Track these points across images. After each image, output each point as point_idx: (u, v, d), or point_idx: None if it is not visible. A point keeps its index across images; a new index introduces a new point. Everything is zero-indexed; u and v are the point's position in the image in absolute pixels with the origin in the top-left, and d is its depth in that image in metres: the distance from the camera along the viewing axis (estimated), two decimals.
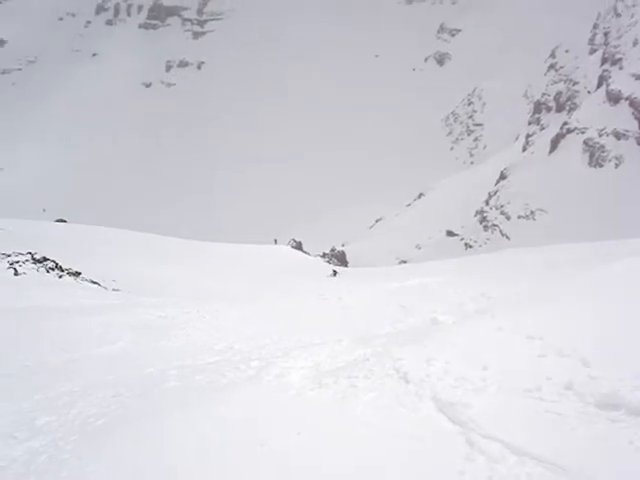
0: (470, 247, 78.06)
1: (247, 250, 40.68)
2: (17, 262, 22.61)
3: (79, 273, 23.61)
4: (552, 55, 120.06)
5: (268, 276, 29.36)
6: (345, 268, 50.93)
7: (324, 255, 70.79)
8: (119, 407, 7.23)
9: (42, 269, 22.68)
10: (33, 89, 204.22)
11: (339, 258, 75.75)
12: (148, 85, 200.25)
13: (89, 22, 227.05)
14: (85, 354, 10.36)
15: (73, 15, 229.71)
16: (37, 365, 9.60)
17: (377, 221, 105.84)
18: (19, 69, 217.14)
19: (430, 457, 5.43)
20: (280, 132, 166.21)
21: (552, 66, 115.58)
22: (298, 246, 67.34)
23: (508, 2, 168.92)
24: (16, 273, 21.13)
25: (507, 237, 74.87)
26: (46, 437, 6.54)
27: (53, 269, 23.17)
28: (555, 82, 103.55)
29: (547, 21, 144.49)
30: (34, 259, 23.57)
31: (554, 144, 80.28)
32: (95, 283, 23.01)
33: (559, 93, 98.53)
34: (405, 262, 68.09)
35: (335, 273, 33.93)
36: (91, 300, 18.27)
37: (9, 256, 23.50)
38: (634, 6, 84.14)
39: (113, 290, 22.64)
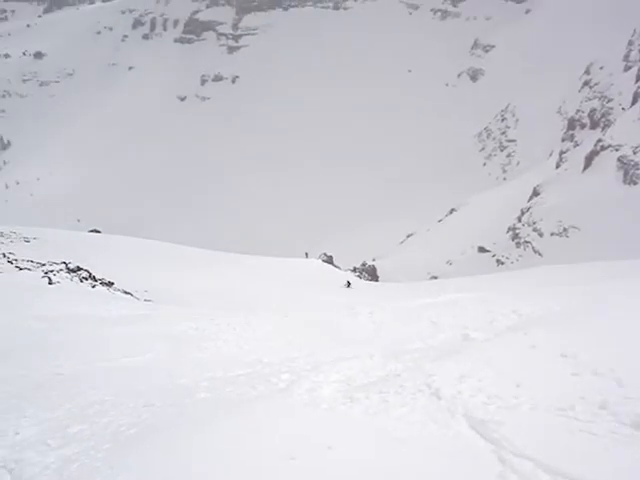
0: (502, 264, 77.45)
1: (278, 263, 40.76)
2: (51, 271, 22.88)
3: (112, 283, 23.83)
4: (586, 71, 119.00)
5: (298, 289, 29.37)
6: (375, 283, 50.82)
7: (355, 269, 70.64)
8: (150, 417, 7.26)
9: (76, 278, 22.93)
10: (70, 101, 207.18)
11: (370, 273, 75.55)
12: (183, 99, 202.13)
13: (126, 36, 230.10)
14: (117, 364, 10.43)
15: (110, 29, 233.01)
16: (69, 373, 9.69)
17: (408, 236, 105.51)
18: (57, 82, 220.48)
19: (462, 474, 5.38)
20: (314, 146, 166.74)
21: (586, 83, 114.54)
22: (329, 260, 67.27)
23: (542, 18, 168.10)
24: (50, 282, 21.37)
25: (539, 254, 74.16)
26: (78, 445, 6.59)
27: (87, 279, 23.41)
28: (589, 99, 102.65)
29: (581, 37, 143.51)
30: (68, 268, 23.84)
31: (588, 161, 79.52)
32: (127, 293, 23.20)
33: (593, 110, 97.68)
34: (436, 278, 67.77)
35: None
36: (123, 310, 18.42)
37: (44, 265, 23.80)
38: None
39: (145, 300, 22.80)
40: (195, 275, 29.95)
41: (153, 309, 20.22)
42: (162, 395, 8.16)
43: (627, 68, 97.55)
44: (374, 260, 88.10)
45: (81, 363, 10.44)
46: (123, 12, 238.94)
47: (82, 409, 7.84)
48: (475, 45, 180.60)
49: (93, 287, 22.66)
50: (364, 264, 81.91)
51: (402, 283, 40.30)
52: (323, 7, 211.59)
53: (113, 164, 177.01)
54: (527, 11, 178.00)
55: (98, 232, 46.30)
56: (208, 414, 7.00)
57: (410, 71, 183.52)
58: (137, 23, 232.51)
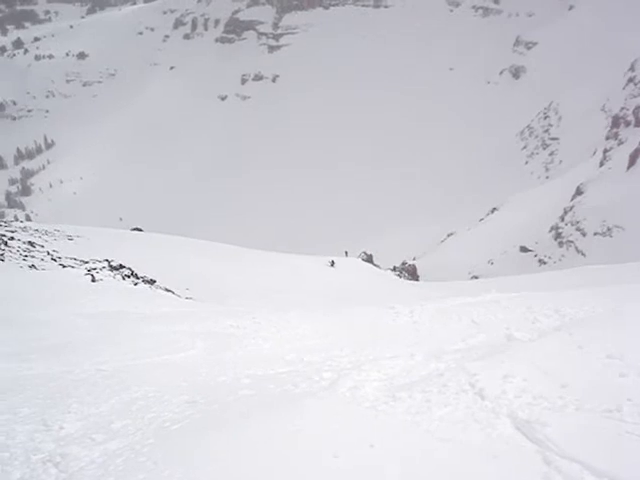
0: (544, 263, 76.59)
1: (316, 262, 40.82)
2: (94, 269, 23.20)
3: (154, 281, 24.08)
4: (631, 68, 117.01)
5: (338, 287, 29.39)
6: (416, 282, 50.63)
7: (395, 269, 70.46)
8: (194, 413, 7.33)
9: (118, 276, 23.22)
10: (113, 101, 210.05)
11: (410, 272, 75.28)
12: (224, 98, 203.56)
13: (167, 36, 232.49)
14: (159, 360, 10.54)
15: (152, 30, 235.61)
16: (113, 370, 9.81)
17: (449, 235, 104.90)
18: (100, 82, 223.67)
19: (505, 474, 5.34)
20: (356, 144, 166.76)
21: (631, 79, 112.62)
22: (369, 259, 67.15)
23: (585, 14, 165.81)
24: (93, 280, 21.67)
25: (582, 254, 73.19)
26: (123, 440, 6.68)
27: (129, 276, 23.70)
28: (634, 96, 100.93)
29: (625, 33, 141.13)
30: (111, 266, 24.16)
31: (632, 159, 78.24)
32: (169, 291, 23.42)
33: (638, 107, 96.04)
34: (477, 277, 67.29)
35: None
36: (165, 308, 18.61)
37: (87, 263, 24.15)
38: None
39: (186, 298, 23.01)
40: (237, 273, 30.13)
41: (194, 307, 20.39)
42: (204, 392, 8.23)
43: None
44: (414, 259, 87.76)
45: (123, 360, 10.56)
46: (164, 12, 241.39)
47: (126, 405, 7.93)
48: (517, 42, 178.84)
49: (135, 285, 22.92)
50: (404, 263, 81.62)
51: (443, 282, 40.06)
52: (364, 5, 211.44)
53: (154, 164, 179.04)
54: (570, 7, 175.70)
55: (140, 230, 46.79)
56: (251, 411, 7.03)
57: (452, 69, 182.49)
58: (178, 23, 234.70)
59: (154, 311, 17.32)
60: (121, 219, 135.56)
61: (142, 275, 24.26)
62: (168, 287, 23.89)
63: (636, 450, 5.54)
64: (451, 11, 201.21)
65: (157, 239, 39.71)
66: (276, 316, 15.76)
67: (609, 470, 5.19)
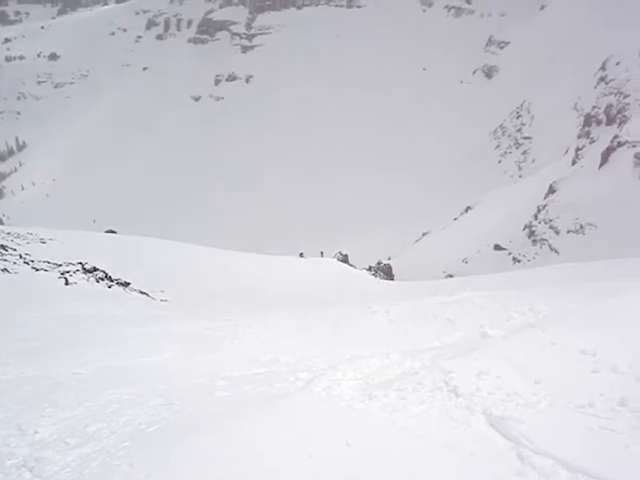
0: (518, 261, 77.12)
1: (292, 262, 40.81)
2: (68, 272, 23.01)
3: (128, 283, 23.94)
4: (602, 67, 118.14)
5: (313, 288, 29.39)
6: (391, 281, 50.79)
7: (370, 268, 70.61)
8: (169, 415, 7.31)
9: (92, 279, 23.06)
10: (85, 103, 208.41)
11: (385, 271, 75.48)
12: (197, 99, 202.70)
13: (140, 37, 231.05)
14: (134, 363, 10.50)
15: (124, 30, 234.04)
16: (87, 373, 9.76)
17: (424, 235, 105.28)
18: (72, 83, 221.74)
19: (480, 471, 5.38)
20: (326, 145, 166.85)
21: (602, 79, 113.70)
22: (344, 259, 67.29)
23: (557, 14, 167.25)
24: (67, 283, 21.51)
25: (556, 252, 73.81)
26: (98, 444, 6.64)
27: (103, 279, 23.53)
28: (605, 95, 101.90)
29: (597, 33, 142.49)
30: (84, 269, 23.98)
31: (604, 158, 79.01)
32: (144, 293, 23.30)
33: (609, 106, 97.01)
34: (452, 276, 67.62)
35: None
36: (140, 310, 18.52)
37: (60, 266, 23.95)
38: None
39: (161, 301, 22.91)
40: (211, 275, 30.04)
41: (169, 309, 20.32)
42: (180, 394, 8.21)
43: None
44: (389, 259, 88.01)
45: (98, 363, 10.52)
46: (137, 13, 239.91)
47: (101, 408, 7.90)
48: (490, 42, 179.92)
49: (109, 287, 22.78)
50: (379, 263, 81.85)
51: (418, 282, 40.26)
52: (337, 5, 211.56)
53: (128, 165, 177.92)
54: (542, 7, 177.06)
55: (114, 232, 46.48)
56: (227, 412, 7.03)
57: (425, 69, 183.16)
58: (151, 24, 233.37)
59: (129, 314, 17.24)
60: (94, 221, 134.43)
61: (116, 278, 24.11)
62: (143, 289, 23.76)
63: (609, 445, 5.61)
64: (424, 11, 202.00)
65: (131, 241, 39.47)
66: (252, 317, 15.77)
67: (583, 465, 5.25)
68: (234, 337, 12.63)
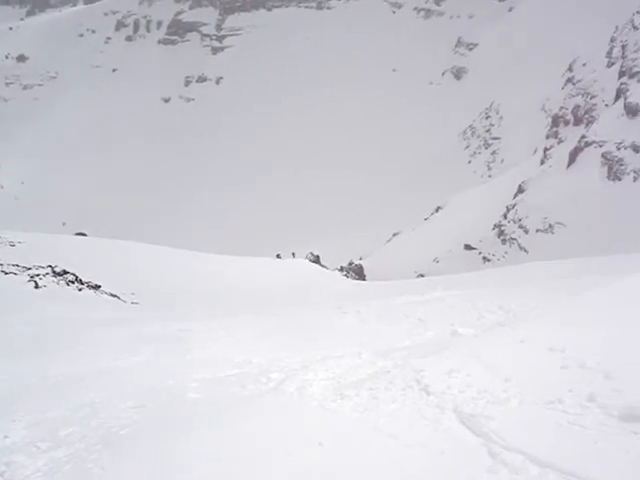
0: (488, 261, 77.64)
1: (264, 263, 40.73)
2: (37, 275, 22.77)
3: (99, 286, 23.75)
4: (569, 69, 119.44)
5: (285, 289, 29.38)
6: (363, 282, 50.88)
7: (342, 269, 70.68)
8: (141, 418, 7.27)
9: (62, 282, 22.84)
10: (54, 104, 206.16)
11: (357, 272, 75.61)
12: (167, 100, 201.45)
13: (109, 38, 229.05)
14: (105, 366, 10.42)
15: (93, 31, 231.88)
16: (58, 377, 9.67)
17: (395, 235, 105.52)
18: (40, 85, 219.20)
19: (452, 469, 5.42)
20: (297, 146, 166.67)
21: (569, 79, 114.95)
22: (316, 260, 67.21)
23: (525, 16, 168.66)
24: (36, 286, 21.30)
25: (525, 251, 74.43)
26: (69, 447, 6.59)
27: (73, 282, 23.32)
28: (573, 95, 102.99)
29: (564, 34, 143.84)
30: (54, 272, 23.74)
31: (572, 157, 79.84)
32: (114, 296, 23.13)
33: (577, 106, 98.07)
34: (423, 276, 67.89)
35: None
36: (110, 313, 18.40)
37: (29, 269, 23.70)
38: None
39: (132, 303, 22.76)
40: (181, 276, 29.89)
41: (141, 311, 20.20)
42: (152, 397, 8.17)
43: (610, 64, 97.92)
44: (361, 259, 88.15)
45: (69, 366, 10.42)
46: (106, 14, 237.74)
47: (72, 412, 7.83)
48: (459, 43, 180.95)
49: (80, 290, 22.58)
50: (351, 263, 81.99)
51: (389, 282, 40.39)
52: (307, 7, 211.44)
53: (98, 167, 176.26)
54: (510, 9, 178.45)
55: (84, 235, 46.14)
56: (199, 414, 7.02)
57: (395, 70, 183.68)
58: (120, 25, 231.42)
59: (99, 317, 17.11)
60: (64, 224, 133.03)
61: (87, 280, 23.90)
62: (113, 292, 23.58)
63: (578, 440, 5.68)
64: (394, 13, 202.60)
65: (102, 243, 39.15)
66: (225, 319, 15.73)
67: (552, 460, 5.31)
68: (206, 339, 12.58)
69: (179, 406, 7.57)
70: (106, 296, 22.85)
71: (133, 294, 24.26)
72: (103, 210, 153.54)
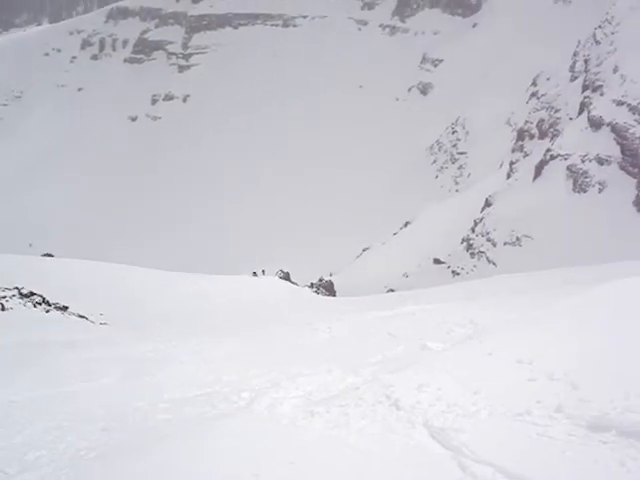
0: (457, 274, 78.01)
1: (233, 281, 40.55)
2: (4, 297, 22.44)
3: (66, 307, 23.46)
4: (533, 83, 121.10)
5: (255, 307, 29.27)
6: (333, 297, 50.87)
7: (312, 285, 70.60)
8: (109, 440, 7.18)
9: (29, 304, 22.52)
10: (19, 124, 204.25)
11: (327, 288, 75.54)
12: (134, 119, 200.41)
13: (74, 57, 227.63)
14: (73, 389, 10.28)
15: (58, 50, 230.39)
16: (25, 400, 9.53)
17: (364, 250, 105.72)
18: (5, 105, 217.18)
19: None
20: (265, 164, 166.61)
21: (534, 94, 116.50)
22: (286, 277, 67.11)
23: (489, 32, 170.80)
24: (3, 308, 20.99)
25: (494, 264, 74.95)
26: (37, 472, 6.49)
27: (40, 304, 23.00)
28: (537, 110, 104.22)
29: (528, 49, 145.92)
30: (21, 294, 23.41)
31: (538, 170, 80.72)
32: (82, 317, 22.84)
33: (541, 120, 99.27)
34: (393, 291, 68.06)
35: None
36: (79, 334, 18.18)
37: None
38: (613, 34, 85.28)
39: (100, 324, 22.52)
40: (150, 296, 29.66)
41: (109, 333, 20.00)
42: (120, 418, 8.08)
43: (573, 79, 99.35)
44: (331, 275, 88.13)
45: (37, 389, 10.27)
46: (71, 33, 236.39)
47: (39, 436, 7.72)
48: (424, 59, 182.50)
49: (47, 312, 22.28)
50: (321, 279, 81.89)
51: (359, 297, 40.42)
52: (273, 25, 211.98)
53: (64, 187, 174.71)
54: (474, 25, 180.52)
55: (51, 256, 45.56)
56: (167, 435, 6.95)
57: (361, 87, 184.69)
58: (86, 44, 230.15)
59: (67, 338, 16.90)
60: (31, 245, 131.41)
61: (54, 302, 23.60)
62: (81, 313, 23.31)
63: (547, 451, 5.72)
64: (359, 30, 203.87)
65: (69, 264, 38.72)
66: (194, 338, 15.62)
67: (522, 472, 5.35)
68: (176, 359, 12.48)
69: (148, 427, 7.50)
70: (74, 317, 22.57)
71: (102, 315, 23.99)
72: (70, 231, 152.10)
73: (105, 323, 22.62)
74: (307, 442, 6.39)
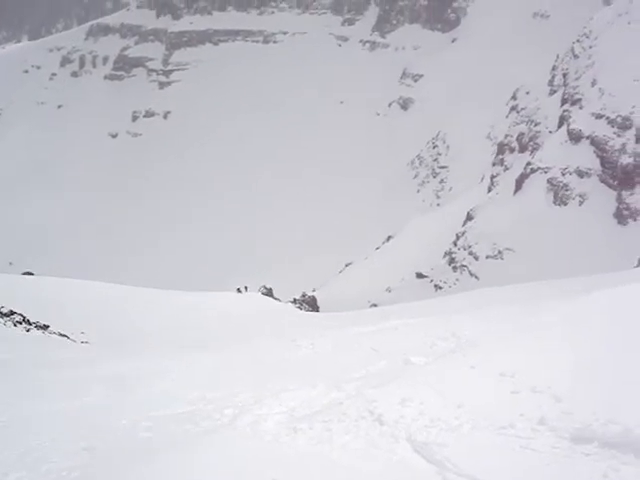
0: (440, 288, 78.16)
1: (215, 298, 40.43)
2: None
3: (47, 326, 23.28)
4: (513, 97, 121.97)
5: (238, 324, 29.20)
6: (316, 313, 50.85)
7: (295, 301, 70.50)
8: (92, 460, 7.12)
9: (9, 322, 22.32)
10: None
11: (310, 303, 75.47)
12: (114, 136, 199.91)
13: (54, 74, 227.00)
14: (55, 408, 10.19)
15: (38, 67, 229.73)
16: (6, 420, 9.43)
17: (347, 265, 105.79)
18: None
19: None
20: (247, 182, 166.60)
21: (514, 108, 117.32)
22: (269, 293, 67.02)
23: (468, 47, 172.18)
24: None
25: (476, 277, 75.20)
26: None
27: (20, 322, 22.81)
28: (517, 123, 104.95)
29: (507, 64, 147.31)
30: (0, 313, 23.23)
31: (519, 184, 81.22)
32: (64, 336, 22.67)
33: (521, 134, 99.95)
34: (376, 305, 68.09)
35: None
36: (60, 353, 18.04)
37: None
38: (591, 48, 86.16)
39: (82, 343, 22.36)
40: (132, 313, 29.52)
41: (91, 351, 19.87)
42: (103, 437, 8.01)
43: (552, 92, 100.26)
44: (314, 291, 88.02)
45: (18, 409, 10.17)
46: (50, 50, 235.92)
47: (21, 456, 7.63)
48: (404, 75, 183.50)
49: (28, 331, 22.09)
50: (304, 295, 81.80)
51: (343, 312, 40.43)
52: (253, 41, 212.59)
53: (44, 205, 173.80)
54: (453, 40, 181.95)
55: (31, 274, 45.26)
56: (151, 453, 6.90)
57: (342, 102, 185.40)
58: (65, 61, 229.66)
59: (49, 357, 16.77)
60: (11, 263, 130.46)
61: (34, 321, 23.41)
62: (62, 332, 23.15)
63: (530, 463, 5.74)
64: (339, 45, 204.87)
65: (50, 282, 38.48)
66: (178, 355, 15.55)
67: None
68: (159, 376, 12.41)
69: (131, 446, 7.45)
70: (55, 336, 22.39)
71: (83, 333, 23.83)
72: (51, 249, 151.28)
73: (87, 342, 22.47)
74: (290, 458, 6.37)
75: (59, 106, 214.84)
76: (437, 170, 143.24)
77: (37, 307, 26.06)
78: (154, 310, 31.22)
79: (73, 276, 49.06)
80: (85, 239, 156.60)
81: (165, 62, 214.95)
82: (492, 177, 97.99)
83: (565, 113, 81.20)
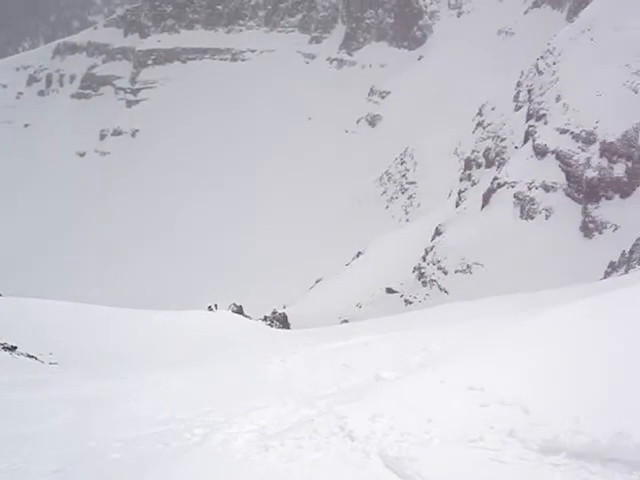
0: (410, 303, 78.29)
1: (185, 316, 40.17)
2: None
3: (15, 347, 22.98)
4: (479, 113, 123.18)
5: (208, 342, 29.03)
6: (287, 330, 50.70)
7: (265, 318, 70.18)
8: None
9: None
10: None
11: (281, 320, 75.16)
12: (82, 154, 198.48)
13: (20, 93, 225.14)
14: (23, 430, 10.06)
15: (4, 86, 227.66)
16: None
17: (317, 282, 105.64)
18: None
19: None
20: (217, 197, 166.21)
21: (480, 124, 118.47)
22: (239, 310, 66.66)
23: (434, 64, 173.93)
24: None
25: (446, 291, 75.48)
26: None
27: None
28: (483, 139, 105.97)
29: (473, 80, 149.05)
30: None
31: (486, 199, 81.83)
32: (31, 357, 22.40)
33: (488, 149, 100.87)
34: (347, 321, 68.09)
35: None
36: (28, 375, 17.83)
37: None
38: (554, 64, 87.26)
39: (50, 363, 22.10)
40: (101, 334, 29.22)
41: (60, 372, 19.65)
42: (72, 459, 7.94)
43: (517, 108, 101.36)
44: (284, 307, 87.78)
45: None
46: (17, 69, 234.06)
47: None
48: (372, 92, 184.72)
49: None
50: (274, 312, 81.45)
51: (313, 329, 40.38)
52: (221, 59, 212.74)
53: (11, 226, 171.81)
54: (420, 57, 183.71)
55: None
56: (121, 475, 6.85)
57: (310, 119, 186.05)
58: (32, 79, 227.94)
59: (16, 379, 16.56)
60: None
61: (1, 342, 23.12)
62: (30, 353, 22.86)
63: (499, 475, 5.79)
64: (307, 63, 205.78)
65: (17, 303, 37.99)
66: (148, 375, 15.44)
67: None
68: (128, 397, 12.32)
69: (101, 467, 7.39)
70: (23, 357, 22.11)
71: (51, 354, 23.56)
72: (19, 268, 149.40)
73: (55, 363, 22.22)
74: (261, 476, 6.36)
75: (26, 125, 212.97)
76: (405, 186, 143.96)
77: (3, 328, 25.73)
78: (124, 330, 30.93)
79: (41, 296, 48.44)
80: (52, 258, 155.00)
81: (133, 80, 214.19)
82: (460, 192, 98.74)
83: (530, 128, 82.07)
